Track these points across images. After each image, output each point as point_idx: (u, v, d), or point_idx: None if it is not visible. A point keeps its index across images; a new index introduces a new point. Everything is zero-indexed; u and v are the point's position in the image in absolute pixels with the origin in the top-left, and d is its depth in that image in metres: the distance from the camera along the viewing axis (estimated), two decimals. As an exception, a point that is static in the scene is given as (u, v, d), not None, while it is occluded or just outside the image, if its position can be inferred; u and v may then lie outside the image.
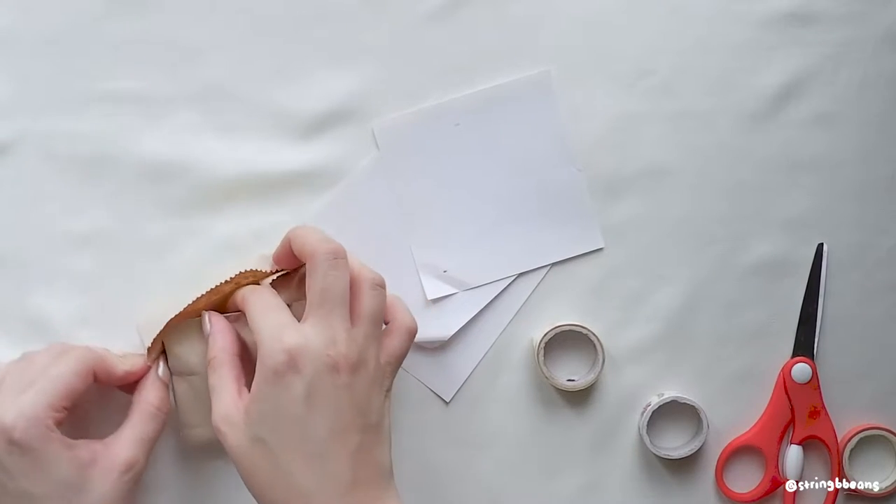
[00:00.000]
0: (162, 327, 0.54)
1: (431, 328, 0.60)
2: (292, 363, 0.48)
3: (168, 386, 0.55)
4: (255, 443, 0.48)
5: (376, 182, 0.61)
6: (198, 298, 0.55)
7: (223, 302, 0.56)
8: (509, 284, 0.61)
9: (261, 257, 0.58)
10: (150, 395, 0.54)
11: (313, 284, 0.50)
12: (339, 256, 0.51)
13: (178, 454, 0.59)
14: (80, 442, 0.52)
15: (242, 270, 0.55)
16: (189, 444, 0.57)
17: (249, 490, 0.50)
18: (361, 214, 0.61)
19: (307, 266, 0.51)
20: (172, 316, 0.54)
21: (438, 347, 0.60)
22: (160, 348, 0.56)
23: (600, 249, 0.61)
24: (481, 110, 0.61)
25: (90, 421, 0.57)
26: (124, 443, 0.52)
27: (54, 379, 0.51)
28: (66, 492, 0.50)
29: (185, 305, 0.55)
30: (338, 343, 0.49)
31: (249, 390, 0.50)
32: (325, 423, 0.48)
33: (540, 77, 0.61)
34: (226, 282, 0.55)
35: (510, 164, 0.61)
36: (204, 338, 0.54)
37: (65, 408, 0.51)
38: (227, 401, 0.50)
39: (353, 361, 0.49)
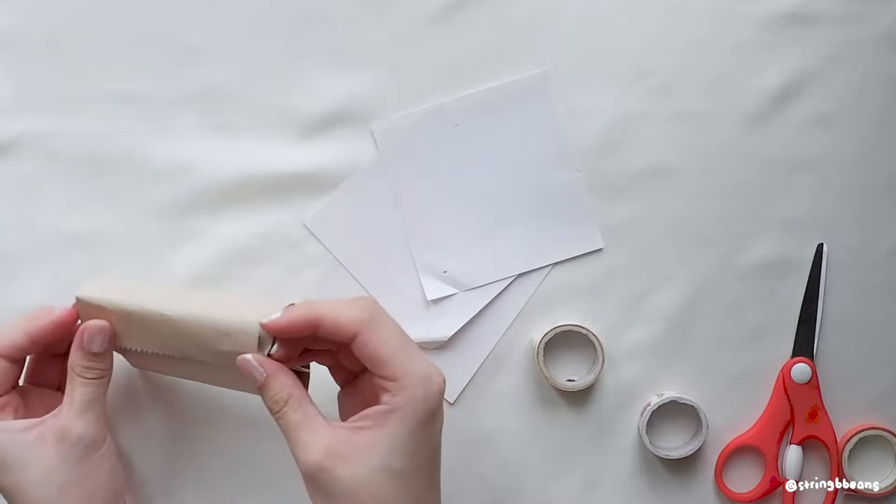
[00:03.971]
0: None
1: (431, 329, 0.60)
2: (440, 402, 0.50)
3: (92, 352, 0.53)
4: (379, 472, 0.48)
5: (376, 182, 0.61)
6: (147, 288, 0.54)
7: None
8: (509, 285, 0.61)
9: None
10: (76, 361, 0.53)
11: (390, 333, 0.50)
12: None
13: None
14: (25, 421, 0.52)
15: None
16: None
17: None
18: (361, 215, 0.61)
19: (367, 328, 0.49)
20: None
21: (438, 348, 0.61)
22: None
23: (600, 250, 0.61)
24: (480, 111, 0.61)
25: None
26: (63, 411, 0.52)
27: None
28: (14, 471, 0.51)
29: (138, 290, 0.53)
30: None
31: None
32: (440, 450, 0.51)
33: (538, 77, 0.61)
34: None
35: (509, 164, 0.61)
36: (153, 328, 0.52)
37: None
38: (327, 436, 0.49)
39: None
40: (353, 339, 0.49)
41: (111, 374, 0.54)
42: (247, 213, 0.60)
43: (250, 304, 0.51)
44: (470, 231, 0.61)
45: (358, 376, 0.54)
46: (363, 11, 0.61)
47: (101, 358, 0.53)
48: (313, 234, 0.61)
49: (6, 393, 0.53)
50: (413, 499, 0.49)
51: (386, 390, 0.49)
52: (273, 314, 0.50)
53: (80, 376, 0.52)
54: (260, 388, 0.50)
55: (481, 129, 0.61)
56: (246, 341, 0.50)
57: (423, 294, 0.61)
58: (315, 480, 0.48)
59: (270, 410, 0.50)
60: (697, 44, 0.61)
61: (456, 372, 0.61)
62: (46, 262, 0.60)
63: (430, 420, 0.49)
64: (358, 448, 0.48)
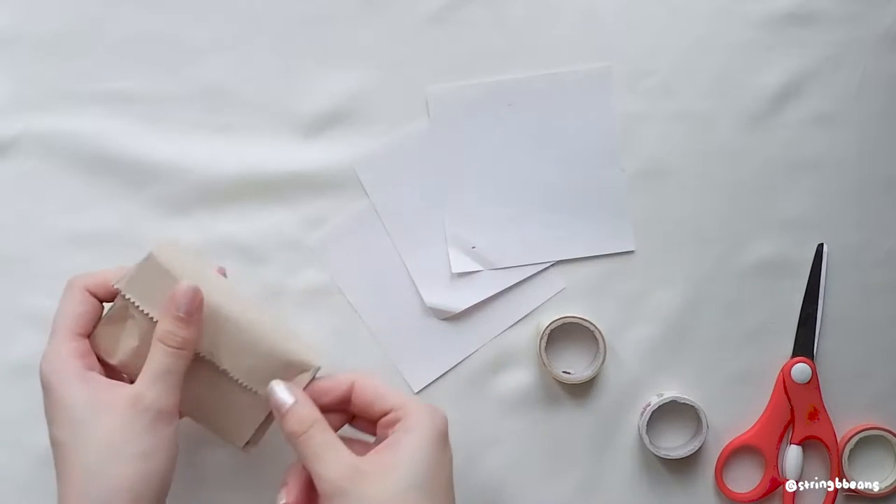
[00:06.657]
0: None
1: (447, 298, 0.60)
2: (447, 431, 0.52)
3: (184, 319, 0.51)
4: (408, 490, 0.49)
5: (423, 145, 0.61)
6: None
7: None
8: (532, 277, 0.61)
9: None
10: (161, 326, 0.51)
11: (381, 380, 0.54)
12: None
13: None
14: (103, 380, 0.51)
15: None
16: None
17: None
18: (402, 173, 0.61)
19: (361, 375, 0.54)
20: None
21: (447, 318, 0.61)
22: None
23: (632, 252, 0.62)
24: (537, 95, 0.61)
25: None
26: (139, 378, 0.51)
27: (57, 315, 0.53)
28: (75, 427, 0.49)
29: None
30: None
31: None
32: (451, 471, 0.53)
33: (600, 71, 0.61)
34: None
35: (557, 153, 0.61)
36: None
37: (80, 334, 0.52)
38: (348, 459, 0.50)
39: None
40: (350, 390, 0.53)
41: (193, 352, 0.51)
42: (247, 213, 0.60)
43: (293, 342, 0.54)
44: (506, 211, 0.61)
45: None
46: (363, 11, 0.61)
47: (184, 324, 0.51)
48: (358, 178, 0.61)
49: (83, 336, 0.52)
50: None
51: (394, 421, 0.51)
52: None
53: (161, 341, 0.50)
54: (286, 413, 0.51)
55: (535, 113, 0.61)
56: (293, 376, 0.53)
57: (448, 265, 0.61)
58: (340, 498, 0.48)
59: (293, 433, 0.50)
60: (697, 43, 0.62)
61: (458, 345, 0.61)
62: (46, 262, 0.60)
63: (442, 442, 0.51)
64: (382, 467, 0.49)
